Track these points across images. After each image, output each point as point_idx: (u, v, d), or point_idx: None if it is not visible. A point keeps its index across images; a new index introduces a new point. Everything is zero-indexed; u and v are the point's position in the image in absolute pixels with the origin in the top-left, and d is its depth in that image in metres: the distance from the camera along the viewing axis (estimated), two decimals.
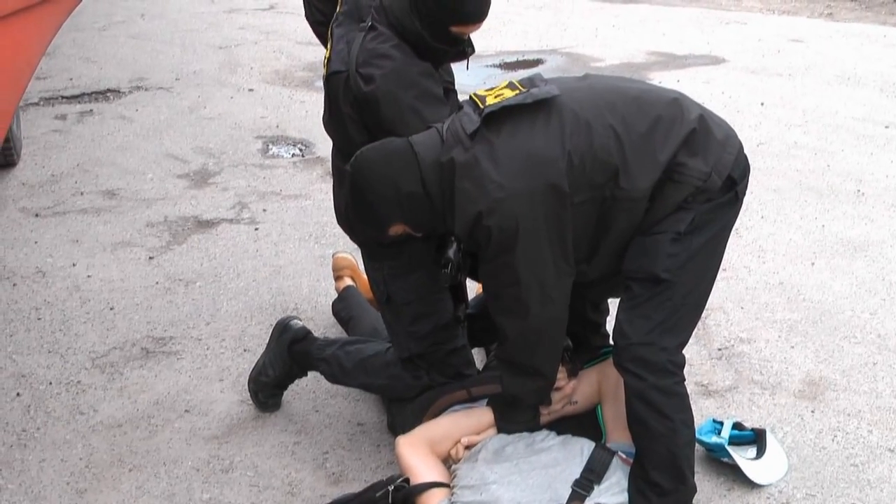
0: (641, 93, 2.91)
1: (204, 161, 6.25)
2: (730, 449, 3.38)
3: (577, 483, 2.96)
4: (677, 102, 2.88)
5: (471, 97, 2.86)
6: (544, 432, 3.19)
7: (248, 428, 3.77)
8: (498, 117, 2.75)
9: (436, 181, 2.79)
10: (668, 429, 2.91)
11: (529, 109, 2.76)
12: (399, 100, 3.06)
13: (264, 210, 5.58)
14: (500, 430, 3.19)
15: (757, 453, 3.44)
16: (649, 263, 2.86)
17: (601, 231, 2.85)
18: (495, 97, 2.80)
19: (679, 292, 2.88)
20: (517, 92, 2.80)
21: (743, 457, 3.39)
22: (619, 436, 3.17)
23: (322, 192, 5.75)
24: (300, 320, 3.83)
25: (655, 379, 2.89)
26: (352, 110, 3.18)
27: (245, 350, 4.25)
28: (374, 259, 3.45)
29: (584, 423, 3.27)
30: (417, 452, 3.13)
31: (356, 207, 2.92)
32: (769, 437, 3.48)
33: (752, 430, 3.52)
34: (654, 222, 2.85)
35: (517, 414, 3.18)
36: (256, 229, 5.37)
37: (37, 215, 5.51)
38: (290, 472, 3.53)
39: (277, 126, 6.74)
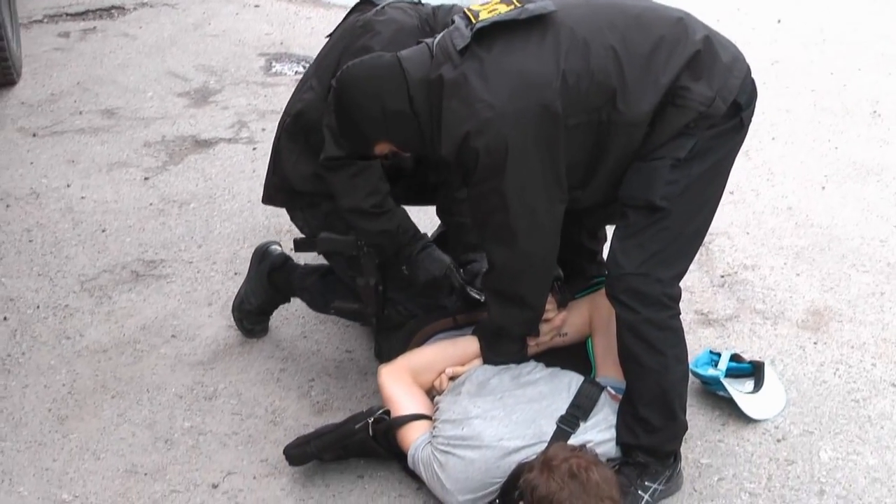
0: (643, 11, 2.70)
1: (205, 79, 6.04)
2: (725, 382, 3.21)
3: (562, 419, 2.81)
4: (681, 22, 2.67)
5: (464, 12, 2.68)
6: (531, 364, 3.03)
7: (234, 354, 3.64)
8: (490, 33, 2.57)
9: (423, 99, 2.63)
10: (660, 364, 2.76)
11: (523, 26, 2.58)
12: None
13: (263, 129, 5.38)
14: (485, 361, 3.04)
15: (754, 387, 3.28)
16: (646, 190, 2.68)
17: (597, 156, 2.68)
18: (489, 12, 2.62)
19: (677, 221, 2.71)
20: (511, 7, 2.61)
21: (739, 390, 3.23)
22: (609, 370, 3.02)
23: None
24: (279, 245, 3.68)
25: (649, 312, 2.73)
26: None
27: (236, 273, 4.09)
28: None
29: (573, 356, 3.11)
30: (399, 382, 2.99)
31: (340, 123, 2.78)
32: (768, 370, 3.31)
33: (751, 362, 3.35)
34: (653, 148, 2.67)
35: (504, 345, 3.03)
36: (254, 149, 5.18)
37: (34, 135, 5.33)
38: (273, 401, 3.41)
39: (282, 43, 6.51)
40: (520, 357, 3.04)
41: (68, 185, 4.83)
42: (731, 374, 3.28)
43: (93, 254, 4.28)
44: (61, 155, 5.13)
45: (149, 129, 5.42)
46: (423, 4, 3.21)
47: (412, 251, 3.12)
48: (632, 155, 2.69)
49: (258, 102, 5.73)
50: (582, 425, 2.82)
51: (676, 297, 2.80)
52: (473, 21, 2.60)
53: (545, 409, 2.84)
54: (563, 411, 2.83)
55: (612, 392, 2.94)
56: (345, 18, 3.32)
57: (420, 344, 3.22)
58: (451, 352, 3.08)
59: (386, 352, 3.35)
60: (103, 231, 4.45)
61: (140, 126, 5.46)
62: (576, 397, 2.87)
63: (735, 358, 3.34)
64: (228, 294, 3.94)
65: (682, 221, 2.74)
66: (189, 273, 4.13)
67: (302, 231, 3.43)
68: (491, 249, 2.81)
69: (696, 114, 2.63)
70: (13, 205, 4.66)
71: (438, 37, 2.68)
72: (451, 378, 3.03)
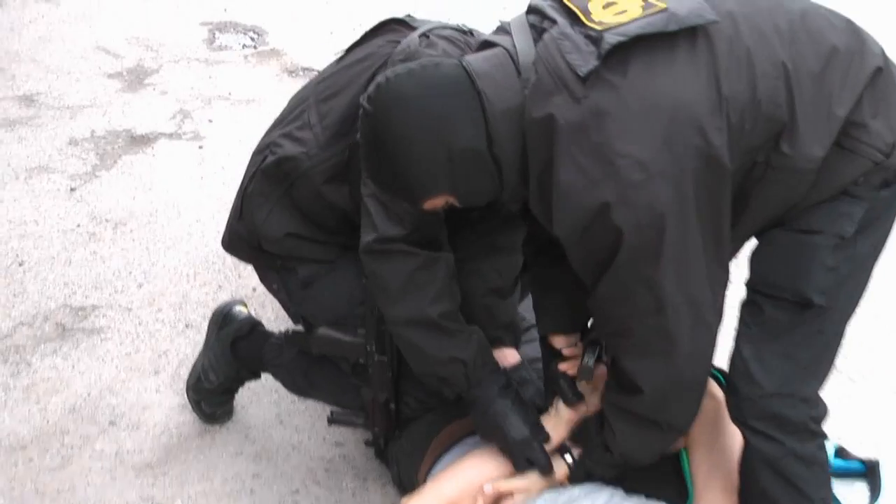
0: (807, 10, 1.84)
1: (140, 55, 5.07)
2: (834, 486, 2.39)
3: None
4: (853, 29, 1.85)
5: (563, 3, 1.79)
6: (607, 492, 2.20)
7: (192, 450, 2.76)
8: (623, 46, 1.69)
9: (510, 140, 1.75)
10: None
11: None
12: None
13: (210, 121, 4.46)
14: (572, 480, 2.23)
15: (871, 495, 2.45)
16: (799, 279, 1.87)
17: (734, 211, 1.82)
18: (615, 13, 1.73)
19: (832, 320, 1.93)
20: (644, 3, 1.74)
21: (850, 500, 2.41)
22: (712, 498, 2.19)
23: (280, 95, 4.61)
24: (244, 306, 2.79)
25: (794, 443, 1.96)
26: None
27: (186, 326, 3.22)
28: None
29: (661, 476, 2.27)
30: None
31: (375, 166, 1.84)
32: (885, 471, 2.49)
33: (862, 460, 2.52)
34: (805, 213, 1.86)
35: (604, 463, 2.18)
36: (201, 147, 4.26)
37: None
38: None
39: (225, 10, 5.54)
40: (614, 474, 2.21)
41: None
42: (835, 474, 2.45)
43: (7, 297, 3.35)
44: None
45: (75, 120, 4.46)
46: (473, 34, 2.28)
47: (481, 399, 2.20)
48: (772, 218, 1.87)
49: (202, 85, 4.79)
50: None
51: (823, 419, 2.01)
52: (594, 27, 1.71)
53: None
54: None
55: None
56: (366, 37, 2.40)
57: (443, 448, 2.39)
58: (493, 465, 2.24)
59: (399, 464, 2.51)
60: (20, 265, 3.51)
61: (65, 117, 4.49)
62: None
63: (840, 453, 2.51)
64: (180, 356, 3.07)
65: (839, 320, 1.95)
66: (128, 325, 3.23)
67: (278, 297, 2.55)
68: (636, 367, 1.91)
69: (871, 165, 1.81)
70: None
71: (521, 41, 1.78)
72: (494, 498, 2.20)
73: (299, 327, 2.58)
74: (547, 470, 2.14)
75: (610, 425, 2.06)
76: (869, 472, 2.43)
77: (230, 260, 3.42)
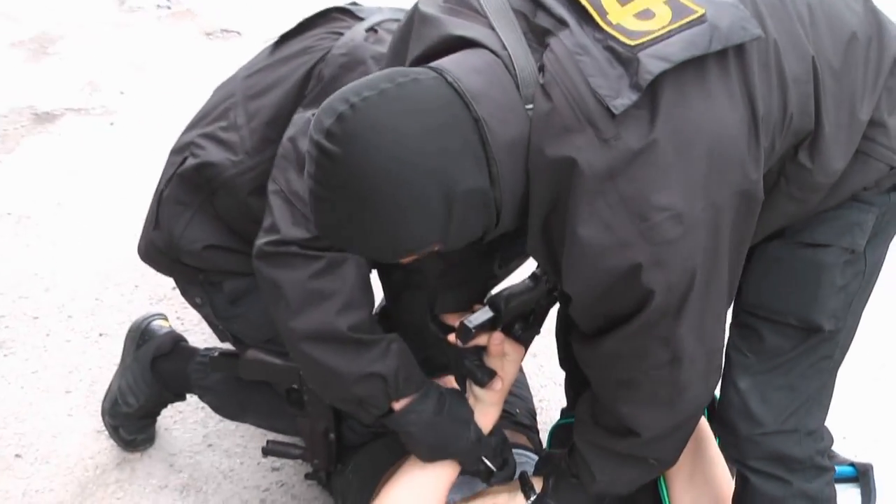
0: None
1: (43, 20, 4.61)
2: None
3: None
4: (869, 6, 1.54)
5: (581, 3, 1.38)
6: None
7: (111, 485, 2.42)
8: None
9: (514, 176, 1.38)
10: None
11: None
12: None
13: (122, 92, 4.06)
14: None
15: (863, 500, 2.21)
16: (806, 304, 1.60)
17: None
18: (638, 15, 1.36)
19: (839, 343, 1.67)
20: (677, 7, 1.37)
21: None
22: None
23: (199, 62, 4.24)
24: (164, 320, 2.45)
25: (802, 482, 1.72)
26: None
27: (101, 335, 2.86)
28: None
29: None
30: None
31: (342, 224, 1.39)
32: (877, 477, 2.25)
33: (854, 464, 2.27)
34: (807, 221, 1.58)
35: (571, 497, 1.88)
36: (112, 124, 3.87)
37: None
38: None
39: None
40: None
41: None
42: None
43: None
44: None
45: None
46: None
47: (410, 420, 1.85)
48: (771, 232, 1.59)
49: (111, 53, 4.37)
50: None
51: (828, 450, 1.77)
52: (611, 32, 1.35)
53: None
54: None
55: None
56: (303, 26, 2.03)
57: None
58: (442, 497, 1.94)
59: (347, 500, 2.21)
60: None
61: None
62: None
63: (831, 458, 2.26)
64: (93, 371, 2.72)
65: (845, 341, 1.69)
66: (35, 338, 2.85)
67: (202, 313, 2.21)
68: (635, 414, 1.60)
69: (887, 169, 1.54)
70: None
71: (511, 40, 1.39)
72: None
73: (226, 346, 2.25)
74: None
75: (587, 464, 1.77)
76: (861, 477, 2.18)
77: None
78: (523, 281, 1.80)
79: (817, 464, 1.72)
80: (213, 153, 1.97)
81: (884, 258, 1.67)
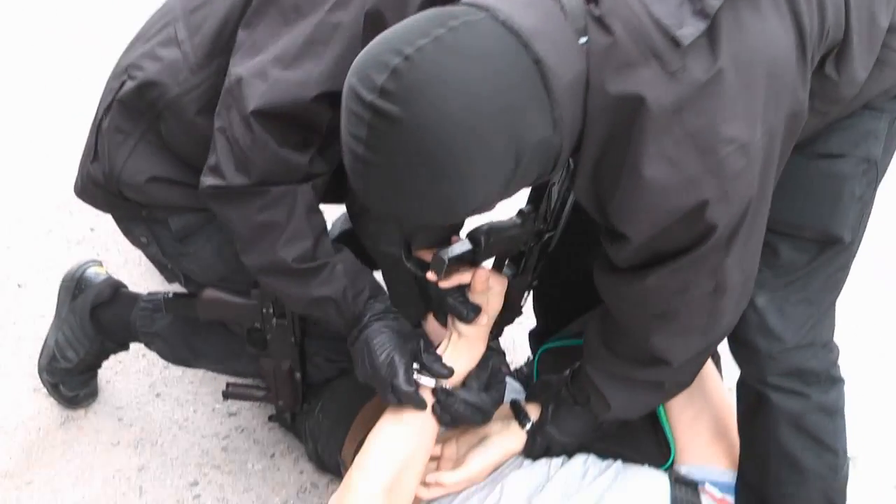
0: None
1: None
2: None
3: None
4: None
5: None
6: (579, 459, 1.84)
7: (58, 446, 2.25)
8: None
9: (573, 118, 1.23)
10: (830, 465, 1.69)
11: None
12: None
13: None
14: (528, 454, 1.84)
15: None
16: (825, 216, 1.54)
17: None
18: None
19: (853, 254, 1.61)
20: None
21: None
22: (697, 454, 1.87)
23: None
24: (100, 266, 2.27)
25: (820, 394, 1.66)
26: None
27: (19, 286, 2.64)
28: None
29: (635, 432, 1.92)
30: None
31: (402, 194, 1.22)
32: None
33: None
34: (821, 132, 1.50)
35: (573, 426, 1.81)
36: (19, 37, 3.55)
37: None
38: None
39: None
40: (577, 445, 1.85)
41: None
42: None
43: None
44: None
45: None
46: None
47: (356, 333, 1.78)
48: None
49: None
50: None
51: (838, 361, 1.70)
52: None
53: None
54: None
55: (711, 490, 1.80)
56: None
57: (368, 423, 1.98)
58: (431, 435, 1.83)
59: (318, 442, 2.10)
60: None
61: None
62: None
63: None
64: (18, 328, 2.51)
65: (856, 251, 1.63)
66: None
67: (148, 253, 2.04)
68: (668, 345, 1.54)
69: None
70: None
71: None
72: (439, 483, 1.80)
73: (175, 288, 2.09)
74: (418, 404, 1.70)
75: (600, 393, 1.69)
76: None
77: (58, 193, 2.82)
78: (510, 217, 1.68)
79: (832, 375, 1.68)
80: (155, 72, 1.78)
81: (887, 167, 1.62)
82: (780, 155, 1.33)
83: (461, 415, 1.72)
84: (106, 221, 2.59)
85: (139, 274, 2.68)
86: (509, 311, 1.88)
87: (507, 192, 1.26)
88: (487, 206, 1.27)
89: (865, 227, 1.61)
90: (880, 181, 1.59)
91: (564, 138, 1.22)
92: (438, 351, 1.74)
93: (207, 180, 1.68)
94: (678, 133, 1.21)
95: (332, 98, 1.58)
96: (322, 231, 1.76)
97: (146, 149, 1.84)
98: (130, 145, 1.84)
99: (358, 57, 1.18)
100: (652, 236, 1.32)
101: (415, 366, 1.71)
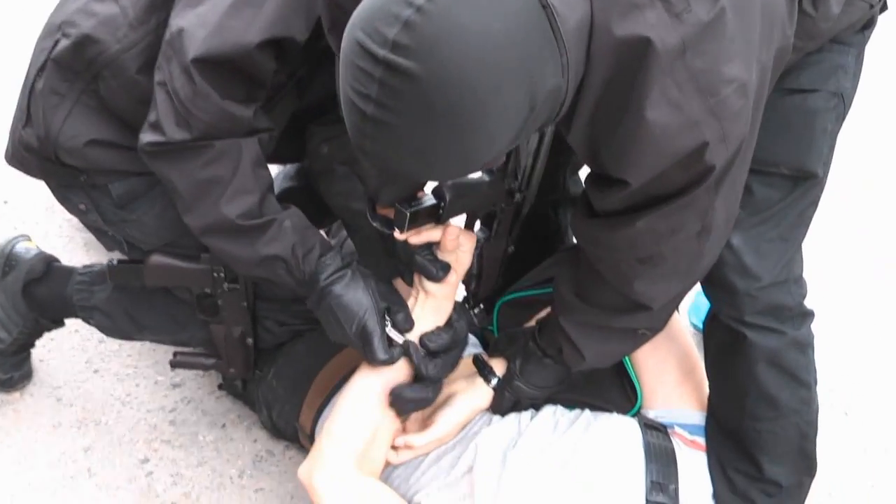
0: None
1: None
2: None
3: None
4: None
5: None
6: (548, 412, 1.82)
7: None
8: None
9: (577, 63, 1.18)
10: (804, 400, 1.71)
11: None
12: None
13: None
14: (495, 409, 1.82)
15: None
16: (799, 151, 1.54)
17: None
18: None
19: (823, 187, 1.62)
20: None
21: None
22: (665, 398, 1.87)
23: None
24: (29, 241, 2.16)
25: (793, 329, 1.67)
26: None
27: None
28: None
29: (601, 379, 1.90)
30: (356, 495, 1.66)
31: (428, 143, 1.12)
32: None
33: None
34: (790, 68, 1.47)
35: (545, 376, 1.79)
36: None
37: None
38: None
39: None
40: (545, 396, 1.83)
41: None
42: None
43: None
44: None
45: None
46: None
47: (315, 298, 1.72)
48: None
49: None
50: None
51: (807, 294, 1.70)
52: None
53: (614, 502, 1.66)
54: (639, 499, 1.67)
55: (681, 433, 1.80)
56: None
57: (327, 389, 1.93)
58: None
59: (272, 409, 2.03)
60: None
61: None
62: (647, 464, 1.71)
63: None
64: None
65: (825, 184, 1.63)
66: None
67: (86, 220, 1.93)
68: (649, 290, 1.51)
69: (868, 8, 1.49)
70: None
71: None
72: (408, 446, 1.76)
73: (116, 256, 1.99)
74: (388, 358, 1.65)
75: (573, 343, 1.66)
76: None
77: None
78: (479, 174, 1.62)
79: (804, 310, 1.69)
80: (92, 28, 1.67)
81: (853, 100, 1.62)
82: (768, 92, 1.31)
83: (433, 371, 1.67)
84: (22, 193, 2.47)
85: (62, 246, 2.55)
86: (486, 281, 1.83)
87: (516, 141, 1.20)
88: (500, 157, 1.22)
89: (831, 161, 1.61)
90: (846, 116, 1.58)
91: (570, 84, 1.17)
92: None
93: (146, 136, 1.59)
94: (681, 75, 1.18)
95: (276, 47, 1.53)
96: (268, 187, 1.68)
97: (84, 111, 1.74)
98: (67, 107, 1.73)
99: (358, 9, 1.10)
100: (648, 180, 1.28)
101: (387, 323, 1.65)
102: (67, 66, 1.70)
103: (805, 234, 1.65)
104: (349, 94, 1.11)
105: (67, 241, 2.56)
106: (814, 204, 1.61)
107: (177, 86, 1.53)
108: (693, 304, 2.42)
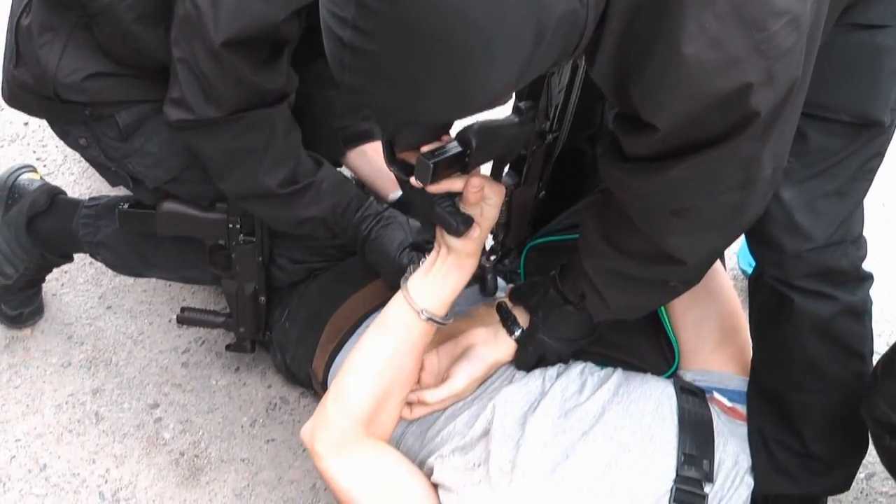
0: None
1: None
2: None
3: (679, 496, 1.48)
4: None
5: None
6: (577, 371, 1.65)
7: (4, 373, 2.05)
8: None
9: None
10: (855, 372, 1.51)
11: None
12: None
13: None
14: (520, 365, 1.66)
15: None
16: (862, 95, 1.33)
17: None
18: None
19: (891, 137, 1.40)
20: None
21: None
22: (704, 359, 1.69)
23: None
24: (34, 172, 2.03)
25: (848, 295, 1.47)
26: None
27: None
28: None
29: (636, 336, 1.73)
30: (371, 469, 1.51)
31: (418, 76, 0.96)
32: None
33: None
34: (858, 1, 1.27)
35: (569, 328, 1.61)
36: None
37: None
38: (104, 469, 1.88)
39: None
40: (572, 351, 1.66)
41: None
42: None
43: None
44: None
45: None
46: None
47: (360, 242, 1.77)
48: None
49: None
50: (710, 490, 1.52)
51: (866, 255, 1.51)
52: None
53: (641, 475, 1.50)
54: (669, 472, 1.50)
55: (720, 399, 1.63)
56: None
57: (341, 333, 1.79)
58: (416, 357, 1.61)
59: (286, 352, 1.91)
60: None
61: None
62: (680, 434, 1.54)
63: None
64: None
65: (892, 133, 1.42)
66: None
67: (87, 155, 1.80)
68: (685, 243, 1.33)
69: None
70: None
71: None
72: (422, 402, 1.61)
73: (126, 198, 1.87)
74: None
75: (597, 292, 1.49)
76: None
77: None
78: (507, 115, 1.43)
79: (861, 274, 1.49)
80: None
81: None
82: (823, 29, 1.11)
83: None
84: None
85: (80, 171, 2.43)
86: (515, 230, 1.66)
87: (524, 78, 1.02)
88: (503, 97, 1.04)
89: None
90: None
91: (590, 10, 0.99)
92: (423, 267, 1.53)
93: (174, 114, 1.54)
94: (721, 6, 0.99)
95: (298, 12, 1.45)
96: (300, 148, 1.66)
97: (79, 45, 1.63)
98: (61, 43, 1.62)
99: None
100: (683, 125, 1.09)
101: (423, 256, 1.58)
102: (55, 1, 1.57)
103: (867, 189, 1.44)
104: (326, 20, 0.95)
105: (87, 166, 2.43)
106: (879, 155, 1.40)
107: (202, 67, 1.47)
108: (743, 247, 2.22)
